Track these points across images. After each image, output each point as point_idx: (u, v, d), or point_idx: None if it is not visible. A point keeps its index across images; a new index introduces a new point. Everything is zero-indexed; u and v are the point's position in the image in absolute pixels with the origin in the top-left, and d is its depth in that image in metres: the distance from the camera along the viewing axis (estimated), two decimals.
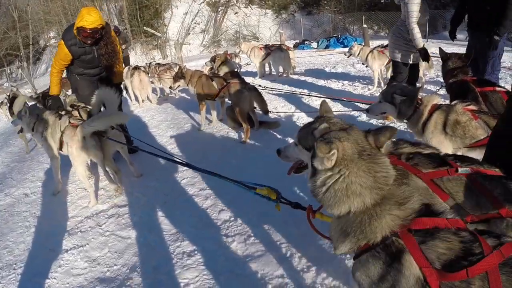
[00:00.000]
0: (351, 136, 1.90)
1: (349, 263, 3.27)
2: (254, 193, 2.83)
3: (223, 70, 8.69)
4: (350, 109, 7.63)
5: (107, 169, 5.57)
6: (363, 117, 7.10)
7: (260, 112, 7.26)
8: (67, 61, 6.04)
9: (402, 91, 4.07)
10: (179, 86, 8.37)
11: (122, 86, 12.62)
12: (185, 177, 5.72)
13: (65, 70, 6.39)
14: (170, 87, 7.98)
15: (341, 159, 1.81)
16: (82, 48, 5.90)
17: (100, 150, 5.26)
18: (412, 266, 1.64)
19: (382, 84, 9.41)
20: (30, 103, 8.82)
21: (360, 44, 11.34)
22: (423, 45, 5.94)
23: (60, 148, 5.43)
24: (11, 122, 7.71)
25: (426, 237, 1.67)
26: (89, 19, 5.52)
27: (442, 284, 1.58)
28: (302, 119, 7.56)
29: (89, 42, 5.80)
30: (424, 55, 5.97)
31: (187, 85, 8.01)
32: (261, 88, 8.24)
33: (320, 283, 3.16)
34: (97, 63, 6.21)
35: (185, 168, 5.94)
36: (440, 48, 5.48)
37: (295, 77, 12.76)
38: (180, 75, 7.95)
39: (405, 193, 1.84)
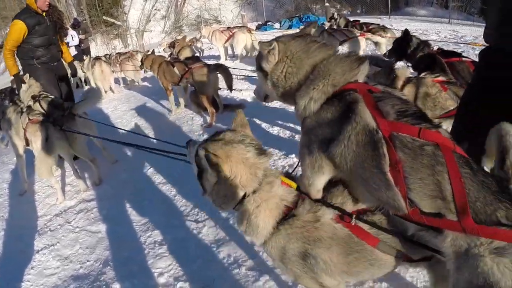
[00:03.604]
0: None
1: None
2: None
3: (184, 55, 8.60)
4: None
5: (82, 158, 5.51)
6: None
7: (225, 93, 7.23)
8: (20, 38, 6.34)
9: (376, 62, 4.06)
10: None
11: (84, 77, 12.61)
12: (151, 166, 5.69)
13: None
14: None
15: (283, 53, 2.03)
16: (35, 19, 6.33)
17: (66, 142, 5.16)
18: (363, 114, 1.72)
19: None
20: None
21: (322, 24, 11.39)
22: None
23: (27, 144, 5.33)
24: None
25: (384, 96, 1.80)
26: None
27: (395, 137, 1.66)
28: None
29: (47, 3, 6.37)
30: None
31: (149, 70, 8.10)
32: None
33: None
34: (51, 35, 6.64)
35: (150, 157, 5.91)
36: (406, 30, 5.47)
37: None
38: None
39: None
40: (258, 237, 2.07)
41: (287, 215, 2.01)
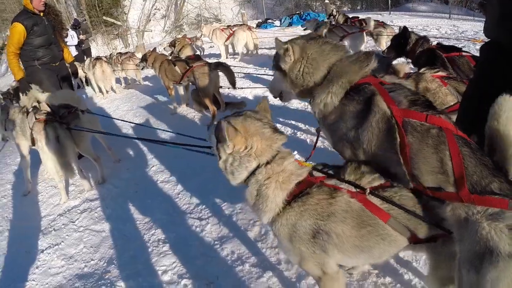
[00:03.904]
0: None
1: None
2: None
3: (185, 54, 8.62)
4: None
5: (87, 156, 5.54)
6: None
7: (226, 91, 7.24)
8: (21, 39, 6.45)
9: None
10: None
11: (84, 78, 12.63)
12: (154, 164, 5.72)
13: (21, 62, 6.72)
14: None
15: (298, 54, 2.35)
16: (33, 19, 6.44)
17: (72, 141, 5.18)
18: (380, 103, 2.02)
19: None
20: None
21: (322, 21, 11.42)
22: None
23: (33, 144, 5.32)
24: None
25: (396, 87, 2.11)
26: None
27: (407, 123, 1.94)
28: (268, 97, 7.58)
29: (42, 3, 6.45)
30: None
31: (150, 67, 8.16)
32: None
33: None
34: (50, 35, 6.74)
35: (153, 155, 5.98)
36: (405, 27, 5.48)
37: (259, 56, 12.74)
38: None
39: None
40: (266, 211, 2.09)
41: (301, 192, 2.06)
